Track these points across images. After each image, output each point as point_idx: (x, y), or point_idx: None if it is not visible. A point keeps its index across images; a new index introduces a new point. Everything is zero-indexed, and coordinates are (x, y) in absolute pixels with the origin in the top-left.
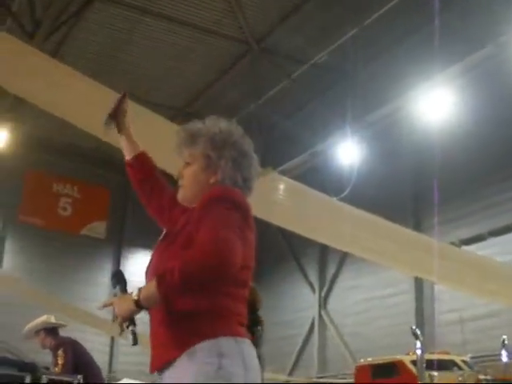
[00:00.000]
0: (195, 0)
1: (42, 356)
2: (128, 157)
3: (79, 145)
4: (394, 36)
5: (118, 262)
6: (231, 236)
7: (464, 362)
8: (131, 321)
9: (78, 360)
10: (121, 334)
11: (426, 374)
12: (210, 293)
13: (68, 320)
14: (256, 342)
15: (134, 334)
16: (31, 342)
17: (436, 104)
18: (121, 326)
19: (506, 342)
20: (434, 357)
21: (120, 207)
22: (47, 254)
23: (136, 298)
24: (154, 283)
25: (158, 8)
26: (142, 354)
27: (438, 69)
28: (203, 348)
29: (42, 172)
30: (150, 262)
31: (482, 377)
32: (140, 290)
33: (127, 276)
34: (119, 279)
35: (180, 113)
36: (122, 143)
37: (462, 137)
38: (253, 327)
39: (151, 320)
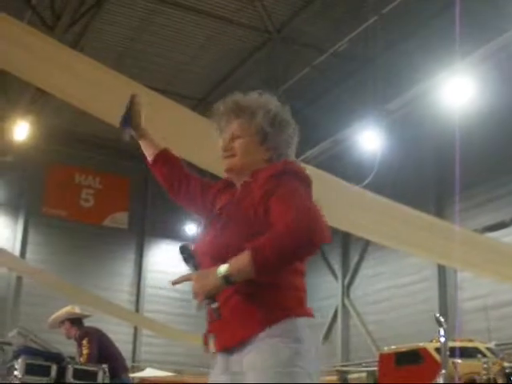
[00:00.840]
0: None
1: (67, 346)
2: (150, 157)
3: (99, 136)
4: (415, 22)
5: (140, 251)
6: (317, 211)
7: (488, 349)
8: (213, 297)
9: (102, 350)
10: (198, 310)
11: (450, 361)
12: (287, 269)
13: (92, 310)
14: None
15: (218, 309)
16: (57, 333)
17: (457, 90)
18: (201, 302)
19: None
20: (458, 344)
21: (141, 197)
22: (70, 246)
23: (226, 272)
24: (246, 257)
25: None
26: (166, 345)
27: (459, 55)
28: (283, 328)
29: (63, 164)
30: (203, 242)
31: (506, 364)
32: (227, 264)
33: (150, 266)
34: (189, 254)
35: (201, 102)
36: (142, 146)
37: (485, 122)
38: None
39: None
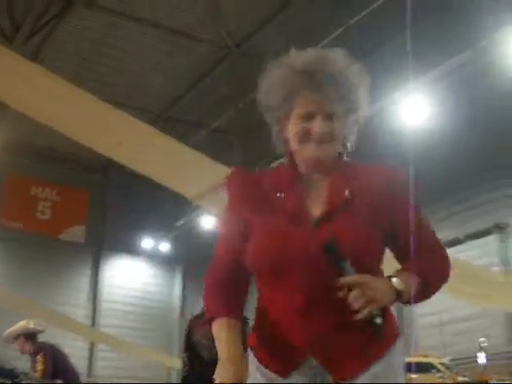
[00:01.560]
0: (174, 5)
1: (23, 361)
2: None
3: (58, 149)
4: (372, 42)
5: (97, 265)
6: None
7: (442, 364)
8: (380, 311)
9: (57, 365)
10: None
11: (406, 376)
12: None
13: (47, 325)
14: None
15: (381, 326)
16: (11, 348)
17: (413, 108)
18: (367, 314)
19: (483, 344)
20: (413, 359)
21: (99, 211)
22: (26, 259)
23: (400, 287)
24: (414, 278)
25: (137, 13)
26: (122, 359)
27: (417, 73)
28: (397, 349)
29: (20, 176)
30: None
31: (460, 379)
32: (397, 278)
33: (107, 280)
34: (339, 254)
35: (160, 117)
36: None
37: (440, 141)
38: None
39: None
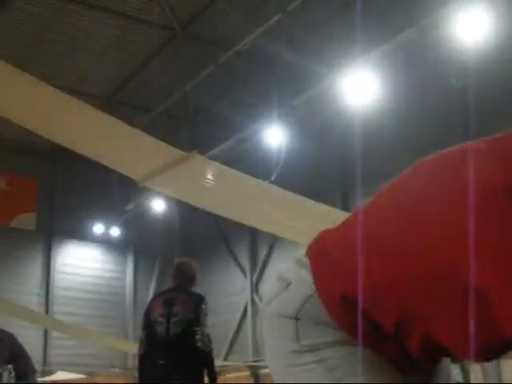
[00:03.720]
0: None
1: None
2: None
3: (4, 136)
4: (318, 19)
5: (48, 253)
6: None
7: None
8: None
9: (10, 352)
10: None
11: None
12: None
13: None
14: (204, 320)
15: None
16: None
17: (361, 86)
18: None
19: None
20: None
21: (49, 198)
22: None
23: None
24: None
25: None
26: (77, 347)
27: (362, 51)
28: None
29: None
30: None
31: None
32: None
33: (59, 267)
34: None
35: (108, 101)
36: None
37: (387, 119)
38: (199, 305)
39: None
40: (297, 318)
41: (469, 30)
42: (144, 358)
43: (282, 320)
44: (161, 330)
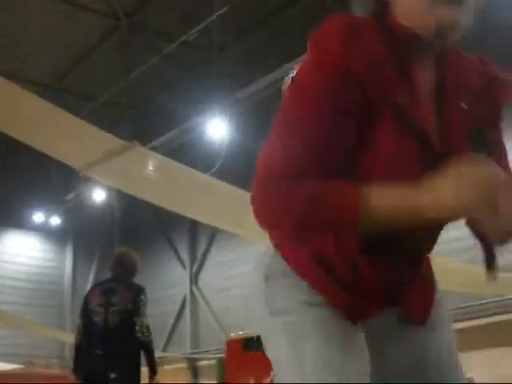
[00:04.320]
0: None
1: None
2: None
3: None
4: (265, 12)
5: None
6: None
7: None
8: None
9: None
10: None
11: None
12: None
13: None
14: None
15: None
16: None
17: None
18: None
19: None
20: None
21: None
22: None
23: None
24: None
25: None
26: (13, 336)
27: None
28: None
29: None
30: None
31: None
32: None
33: None
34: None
35: (50, 89)
36: None
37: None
38: (138, 296)
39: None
40: (266, 279)
41: None
42: (80, 348)
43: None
44: (99, 319)
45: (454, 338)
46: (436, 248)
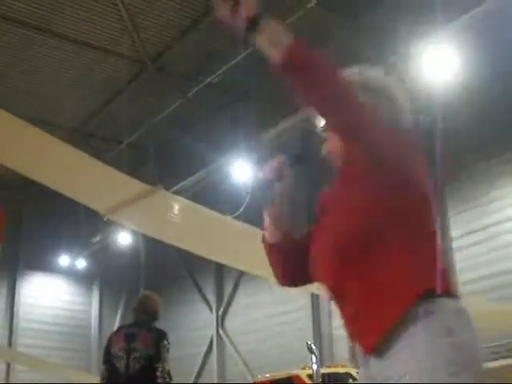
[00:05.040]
0: (91, 20)
1: None
2: (271, 239)
3: None
4: None
5: (13, 284)
6: None
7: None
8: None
9: None
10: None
11: None
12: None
13: None
14: (165, 356)
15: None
16: None
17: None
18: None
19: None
20: (330, 370)
21: (15, 229)
22: None
23: None
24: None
25: (54, 27)
26: (42, 380)
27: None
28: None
29: None
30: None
31: None
32: None
33: (23, 299)
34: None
35: (76, 133)
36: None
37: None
38: (160, 341)
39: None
40: None
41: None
42: None
43: None
44: (120, 365)
45: None
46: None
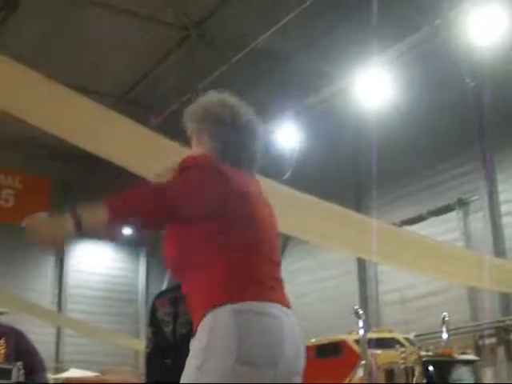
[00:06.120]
0: None
1: None
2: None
3: (19, 135)
4: (332, 19)
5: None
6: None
7: (406, 339)
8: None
9: (20, 349)
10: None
11: (369, 352)
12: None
13: (12, 311)
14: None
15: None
16: None
17: (374, 86)
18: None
19: (446, 319)
20: (377, 335)
21: (62, 197)
22: None
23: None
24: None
25: None
26: (90, 345)
27: (376, 51)
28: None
29: None
30: None
31: (423, 353)
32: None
33: (72, 266)
34: None
35: (120, 100)
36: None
37: (401, 118)
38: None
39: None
40: None
41: (482, 30)
42: (151, 357)
43: None
44: (168, 329)
45: None
46: None
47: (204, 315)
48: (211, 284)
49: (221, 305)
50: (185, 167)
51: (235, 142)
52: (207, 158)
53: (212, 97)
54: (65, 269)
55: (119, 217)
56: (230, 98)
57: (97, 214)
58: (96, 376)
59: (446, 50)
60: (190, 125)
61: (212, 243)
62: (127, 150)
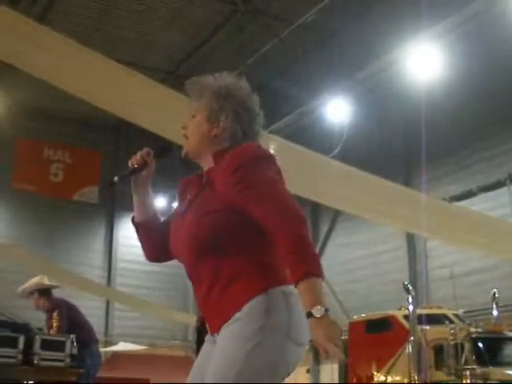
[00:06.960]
0: None
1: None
2: (137, 219)
3: (69, 110)
4: None
5: (111, 225)
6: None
7: (456, 315)
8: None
9: (72, 322)
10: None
11: (418, 328)
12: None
13: (63, 285)
14: None
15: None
16: (26, 307)
17: (425, 60)
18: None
19: (496, 295)
20: (426, 311)
21: (111, 171)
22: (40, 221)
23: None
24: (313, 282)
25: None
26: (138, 319)
27: (426, 25)
28: (249, 307)
29: (32, 139)
30: (177, 238)
31: (473, 329)
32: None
33: (121, 240)
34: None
35: (170, 75)
36: (134, 202)
37: (451, 93)
38: None
39: (198, 289)
40: None
41: None
42: (201, 330)
43: None
44: None
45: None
46: None
47: (251, 298)
48: (257, 268)
49: (273, 287)
50: (259, 158)
51: (251, 130)
52: (265, 149)
53: (232, 79)
54: (114, 243)
55: (321, 269)
56: (247, 84)
57: (320, 289)
58: (145, 349)
59: (500, 22)
60: (207, 99)
61: (251, 228)
62: (176, 124)
